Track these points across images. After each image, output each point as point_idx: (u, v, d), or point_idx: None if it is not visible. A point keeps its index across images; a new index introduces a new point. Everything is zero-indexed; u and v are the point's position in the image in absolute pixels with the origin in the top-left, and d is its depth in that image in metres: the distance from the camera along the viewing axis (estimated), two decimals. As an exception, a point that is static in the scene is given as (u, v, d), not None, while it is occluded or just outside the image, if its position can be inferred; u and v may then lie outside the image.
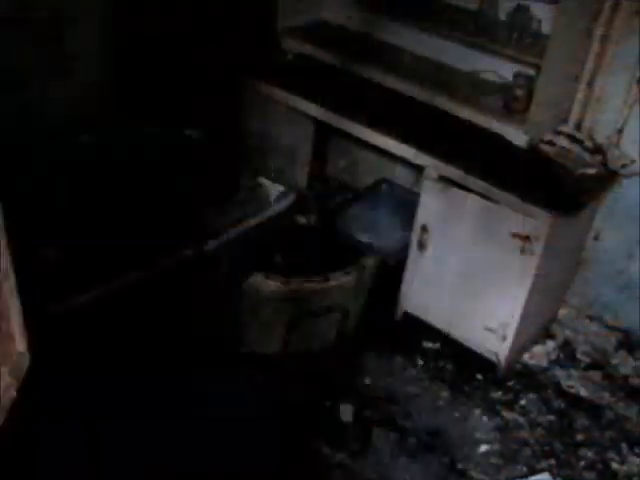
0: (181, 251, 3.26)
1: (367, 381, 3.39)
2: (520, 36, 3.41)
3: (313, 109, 3.69)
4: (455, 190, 3.23)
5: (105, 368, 2.91)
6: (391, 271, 3.55)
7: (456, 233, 3.30)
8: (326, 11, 4.29)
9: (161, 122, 3.75)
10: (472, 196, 3.18)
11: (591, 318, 3.85)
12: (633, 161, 3.42)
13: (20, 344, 1.61)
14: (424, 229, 3.37)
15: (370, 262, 2.83)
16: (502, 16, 3.53)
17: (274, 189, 3.54)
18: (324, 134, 4.20)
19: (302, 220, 3.92)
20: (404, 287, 3.58)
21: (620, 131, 3.44)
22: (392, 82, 3.74)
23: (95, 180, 3.36)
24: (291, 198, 3.52)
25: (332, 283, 2.73)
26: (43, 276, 2.83)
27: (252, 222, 3.38)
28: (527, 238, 3.08)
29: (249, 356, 3.09)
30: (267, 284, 2.72)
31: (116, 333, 3.06)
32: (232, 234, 3.34)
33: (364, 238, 3.78)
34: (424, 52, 3.93)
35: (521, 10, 3.42)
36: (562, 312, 3.88)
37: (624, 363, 3.67)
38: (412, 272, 3.52)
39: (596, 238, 3.69)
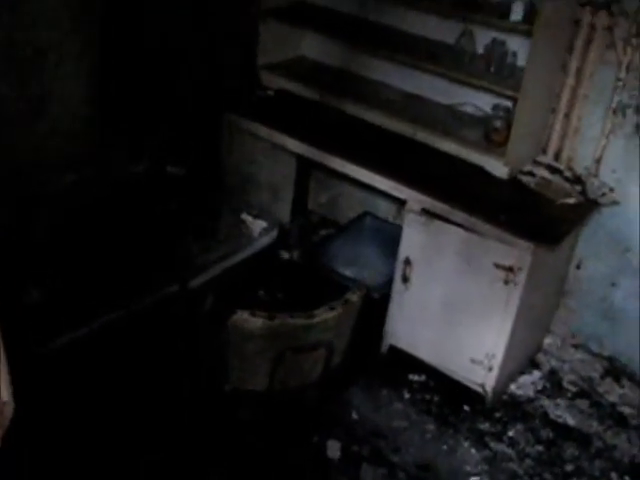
0: (165, 288, 3.25)
1: (354, 416, 3.37)
2: (497, 69, 3.46)
3: (295, 144, 3.71)
4: (437, 223, 3.24)
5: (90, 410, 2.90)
6: (376, 304, 3.54)
7: (440, 265, 3.31)
8: (306, 47, 4.33)
9: (144, 159, 3.76)
10: (454, 228, 3.20)
11: (576, 346, 3.86)
12: (612, 190, 3.46)
13: (4, 393, 1.59)
14: (407, 262, 3.38)
15: (354, 297, 2.81)
16: (479, 49, 3.58)
17: (257, 225, 3.55)
18: (306, 169, 4.22)
19: (286, 255, 3.92)
20: (389, 320, 3.58)
21: (598, 161, 3.48)
22: (372, 116, 3.77)
23: (78, 218, 3.36)
24: (274, 234, 3.53)
25: (317, 319, 2.71)
26: (27, 318, 2.82)
27: (235, 259, 3.39)
28: (510, 269, 3.10)
29: (234, 393, 3.07)
30: (252, 321, 2.70)
31: (102, 372, 3.04)
32: (216, 271, 3.34)
33: (348, 272, 3.78)
34: (404, 86, 3.98)
35: (497, 44, 3.47)
36: (547, 341, 3.88)
37: (611, 391, 3.68)
38: (397, 305, 3.52)
39: (578, 267, 3.71)
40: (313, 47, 4.31)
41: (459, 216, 3.18)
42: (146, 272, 3.23)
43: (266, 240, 3.56)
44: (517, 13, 3.23)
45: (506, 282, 3.12)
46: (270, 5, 4.00)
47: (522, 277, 3.09)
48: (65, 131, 3.51)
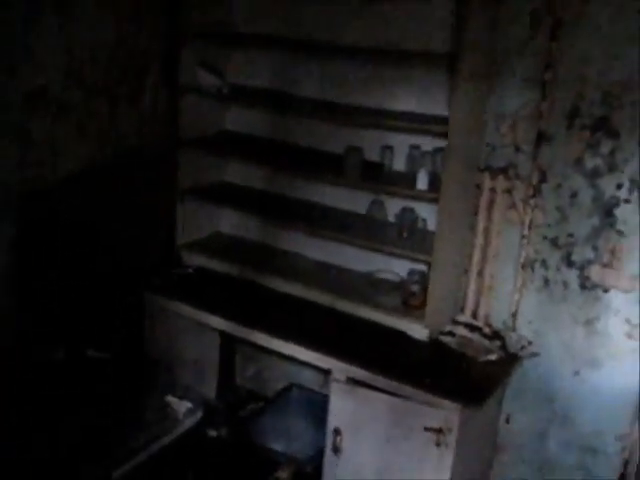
0: (88, 478, 3.13)
1: None
2: (409, 235, 3.58)
3: (217, 322, 3.72)
4: (363, 390, 3.24)
5: None
6: (308, 477, 3.46)
7: (370, 432, 3.27)
8: (222, 224, 4.43)
9: (63, 345, 3.70)
10: (380, 395, 3.20)
11: (515, 502, 3.81)
12: (530, 343, 3.54)
13: None
14: (337, 432, 3.34)
15: (285, 474, 2.77)
16: (390, 217, 3.72)
17: (182, 406, 3.49)
18: (230, 344, 4.21)
19: (214, 433, 3.83)
20: (324, 493, 3.49)
21: (514, 315, 3.58)
22: (291, 288, 3.82)
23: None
24: (199, 414, 3.48)
25: (248, 502, 2.66)
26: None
27: (161, 443, 3.31)
28: (440, 431, 3.09)
29: None
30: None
31: None
32: (141, 458, 3.25)
33: (278, 446, 3.70)
34: (320, 256, 4.06)
35: (407, 211, 3.61)
36: (486, 500, 3.83)
37: None
38: (330, 477, 3.43)
39: (508, 421, 3.73)
40: (229, 223, 4.40)
41: (384, 382, 3.19)
42: (68, 463, 3.12)
43: (192, 421, 3.50)
44: (422, 182, 3.38)
45: (437, 444, 3.10)
46: (187, 185, 4.11)
47: (452, 438, 3.08)
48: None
